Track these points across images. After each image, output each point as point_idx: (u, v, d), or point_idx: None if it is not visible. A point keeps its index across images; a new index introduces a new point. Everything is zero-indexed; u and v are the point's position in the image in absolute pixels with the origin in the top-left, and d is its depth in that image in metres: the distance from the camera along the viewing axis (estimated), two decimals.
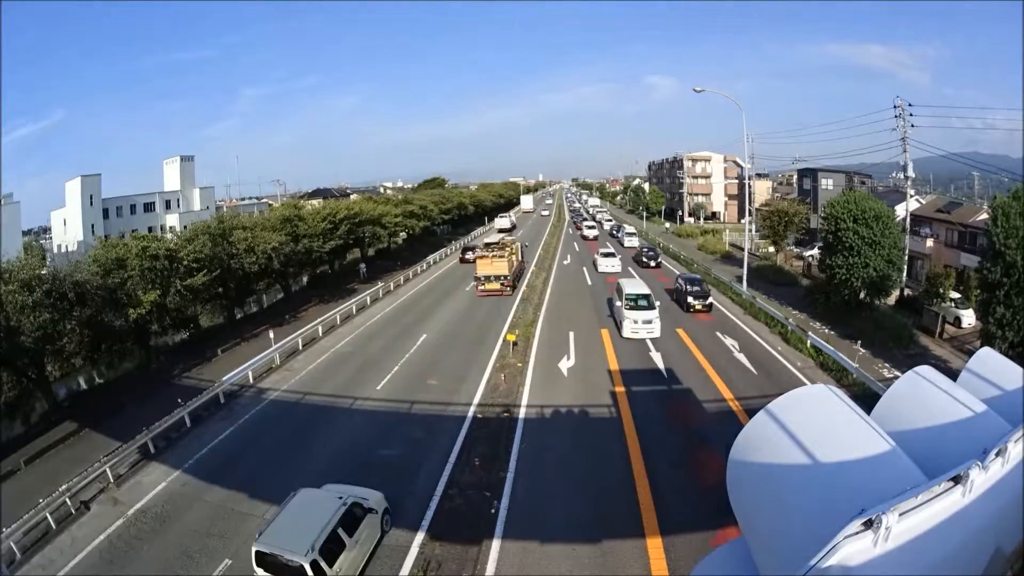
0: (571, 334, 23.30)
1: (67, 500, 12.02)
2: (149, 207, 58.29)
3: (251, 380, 19.31)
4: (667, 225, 74.31)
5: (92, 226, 50.29)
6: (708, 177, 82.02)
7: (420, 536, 10.65)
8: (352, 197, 68.40)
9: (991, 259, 16.65)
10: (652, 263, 40.69)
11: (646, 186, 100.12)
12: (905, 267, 28.68)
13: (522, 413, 15.95)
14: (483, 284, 31.34)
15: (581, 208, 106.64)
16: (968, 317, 24.05)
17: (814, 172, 53.63)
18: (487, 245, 34.63)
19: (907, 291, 29.14)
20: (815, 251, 35.67)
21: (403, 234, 55.07)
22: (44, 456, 15.20)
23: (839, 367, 18.43)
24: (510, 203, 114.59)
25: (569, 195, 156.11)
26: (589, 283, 34.93)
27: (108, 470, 13.12)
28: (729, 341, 22.11)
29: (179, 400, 16.22)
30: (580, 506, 11.40)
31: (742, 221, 47.50)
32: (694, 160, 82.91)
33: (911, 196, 32.30)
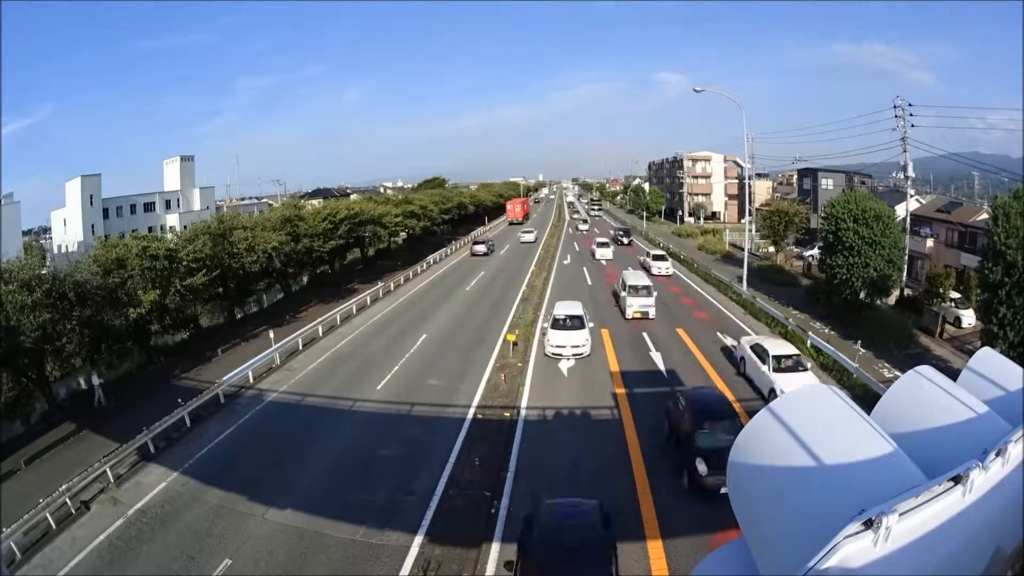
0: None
1: (67, 500, 12.01)
2: (149, 207, 58.32)
3: (251, 380, 19.30)
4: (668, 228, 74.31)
5: (92, 226, 50.31)
6: (708, 177, 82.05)
7: (420, 537, 10.65)
8: (352, 197, 68.47)
9: (992, 259, 16.64)
10: None
11: (646, 186, 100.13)
12: (905, 267, 28.69)
13: (522, 414, 15.96)
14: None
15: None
16: (968, 317, 24.05)
17: (814, 172, 53.63)
18: None
19: (907, 291, 29.15)
20: (815, 251, 35.67)
21: (403, 234, 55.11)
22: (44, 456, 15.19)
23: (839, 367, 18.43)
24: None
25: (576, 210, 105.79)
26: (589, 283, 34.94)
27: (108, 470, 13.11)
28: (730, 341, 22.10)
29: (179, 400, 16.21)
30: None
31: (742, 221, 47.50)
32: (694, 160, 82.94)
33: (911, 196, 32.32)
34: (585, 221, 71.59)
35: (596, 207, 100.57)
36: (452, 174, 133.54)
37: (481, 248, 46.82)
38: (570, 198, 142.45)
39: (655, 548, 10.03)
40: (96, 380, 18.72)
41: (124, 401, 18.58)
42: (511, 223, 73.56)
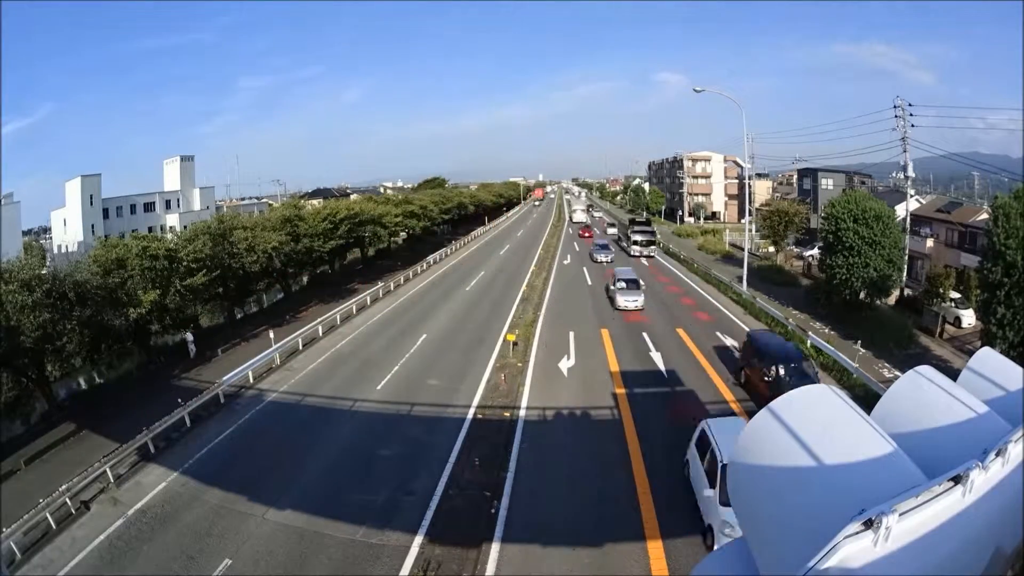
0: (571, 334, 23.30)
1: (67, 500, 12.02)
2: (149, 207, 58.30)
3: (251, 380, 19.30)
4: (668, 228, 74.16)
5: (92, 226, 50.29)
6: (708, 177, 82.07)
7: (420, 537, 10.66)
8: (352, 197, 68.48)
9: (992, 259, 16.65)
10: None
11: (646, 186, 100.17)
12: (905, 267, 28.69)
13: (522, 414, 15.96)
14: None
15: None
16: (968, 317, 24.06)
17: (814, 172, 53.64)
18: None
19: (907, 291, 29.15)
20: (815, 251, 35.66)
21: (403, 234, 55.13)
22: (44, 456, 15.20)
23: (840, 367, 18.43)
24: (510, 202, 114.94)
25: (600, 241, 49.58)
26: (589, 283, 34.95)
27: (108, 470, 13.12)
28: (730, 341, 22.11)
29: (179, 400, 16.22)
30: (581, 507, 11.40)
31: (742, 221, 47.51)
32: (694, 160, 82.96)
33: (911, 196, 32.32)
34: (635, 286, 27.97)
35: (642, 234, 44.44)
36: (452, 174, 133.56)
37: (538, 203, 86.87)
38: (579, 214, 79.60)
39: (655, 548, 10.02)
40: (189, 336, 23.19)
41: (124, 401, 18.58)
42: (536, 201, 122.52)
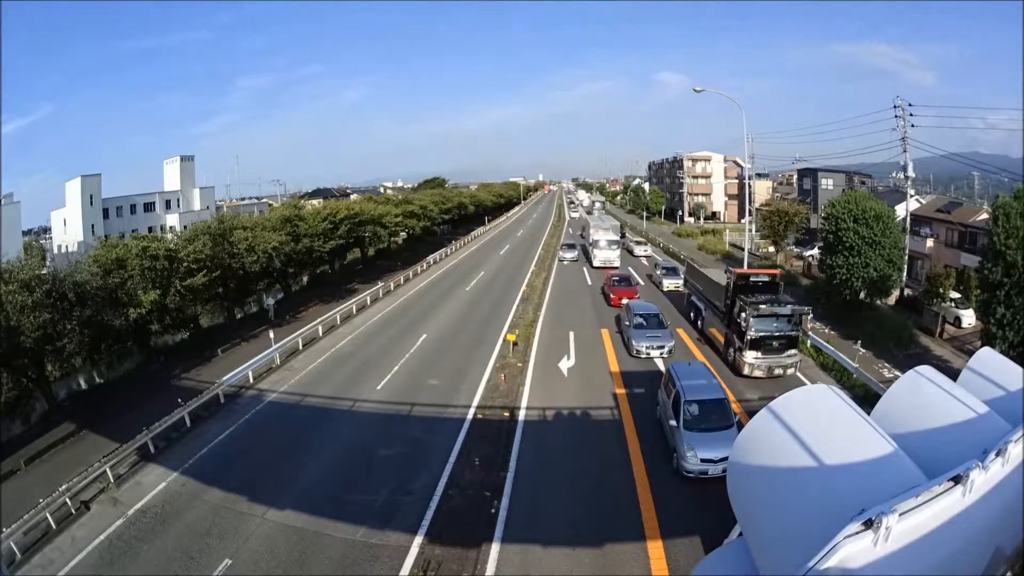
0: (571, 334, 23.29)
1: (67, 500, 12.01)
2: (149, 207, 58.28)
3: (251, 380, 19.29)
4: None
5: (92, 226, 50.27)
6: (708, 177, 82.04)
7: (420, 537, 10.65)
8: (352, 197, 68.44)
9: (992, 259, 16.64)
10: None
11: (646, 186, 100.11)
12: (905, 267, 28.68)
13: (522, 414, 15.94)
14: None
15: None
16: (968, 317, 24.06)
17: (814, 172, 53.62)
18: None
19: (907, 291, 29.14)
20: (815, 251, 35.65)
21: (403, 234, 55.12)
22: (44, 456, 15.19)
23: (839, 367, 18.42)
24: (510, 203, 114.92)
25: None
26: (589, 283, 34.93)
27: (108, 470, 13.11)
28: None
29: (179, 400, 16.21)
30: (580, 507, 11.40)
31: (742, 221, 47.49)
32: (694, 160, 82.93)
33: (911, 196, 32.30)
34: (657, 323, 20.79)
35: (768, 318, 16.88)
36: (452, 174, 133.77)
37: (545, 193, 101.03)
38: (604, 251, 39.37)
39: (655, 548, 10.02)
40: (270, 300, 27.32)
41: (124, 401, 18.58)
42: (544, 192, 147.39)
